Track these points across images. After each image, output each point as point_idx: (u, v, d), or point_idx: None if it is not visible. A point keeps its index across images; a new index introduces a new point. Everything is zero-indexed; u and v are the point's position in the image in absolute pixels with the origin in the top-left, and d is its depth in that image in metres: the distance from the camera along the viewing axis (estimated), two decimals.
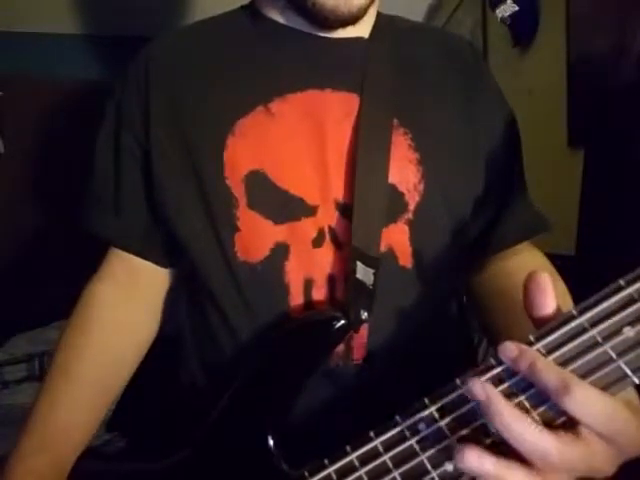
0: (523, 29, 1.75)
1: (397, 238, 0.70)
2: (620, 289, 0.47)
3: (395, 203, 0.71)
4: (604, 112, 1.37)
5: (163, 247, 0.80)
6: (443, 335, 0.77)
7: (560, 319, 0.48)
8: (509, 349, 0.47)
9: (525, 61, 1.81)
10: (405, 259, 0.71)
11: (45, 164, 2.53)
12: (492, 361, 0.49)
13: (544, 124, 1.62)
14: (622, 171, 1.28)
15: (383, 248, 0.69)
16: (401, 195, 0.71)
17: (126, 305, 0.81)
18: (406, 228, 0.71)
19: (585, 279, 0.67)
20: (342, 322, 0.64)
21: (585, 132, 1.47)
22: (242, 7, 0.84)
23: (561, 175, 1.55)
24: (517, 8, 1.68)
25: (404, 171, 0.71)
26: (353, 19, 0.73)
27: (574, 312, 0.48)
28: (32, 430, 0.72)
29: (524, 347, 0.47)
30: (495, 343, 0.52)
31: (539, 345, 0.48)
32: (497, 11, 1.71)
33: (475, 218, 0.77)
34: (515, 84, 1.76)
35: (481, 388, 0.46)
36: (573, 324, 0.47)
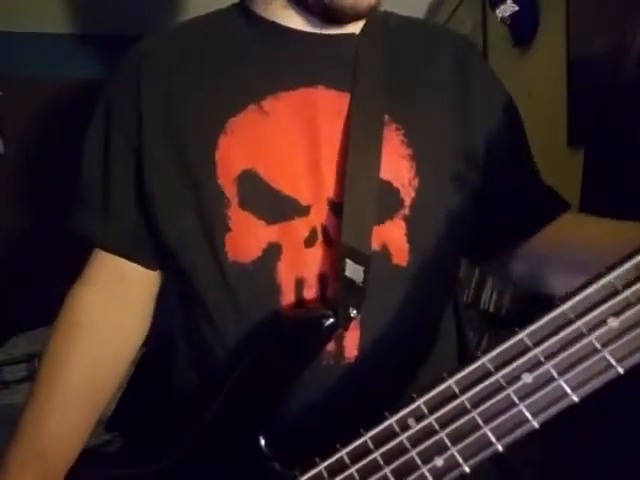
0: (523, 29, 1.75)
1: (392, 235, 0.70)
2: (602, 276, 0.47)
3: (390, 200, 0.70)
4: (604, 112, 1.37)
5: (153, 248, 0.79)
6: (437, 333, 0.77)
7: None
8: None
9: (525, 61, 1.81)
10: (400, 257, 0.71)
11: (45, 164, 2.53)
12: None
13: (544, 124, 1.62)
14: (622, 171, 1.28)
15: (377, 246, 0.69)
16: (396, 191, 0.71)
17: (114, 310, 0.79)
18: (403, 224, 0.70)
19: None
20: (331, 320, 0.63)
21: (585, 132, 1.47)
22: (233, 5, 0.83)
23: (561, 175, 1.54)
24: (517, 8, 1.68)
25: (397, 167, 0.71)
26: (370, 12, 0.73)
27: (557, 301, 0.48)
28: (20, 444, 0.71)
29: None
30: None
31: (523, 334, 0.48)
32: (497, 11, 1.71)
33: (481, 212, 0.77)
34: (515, 84, 1.75)
35: None
36: (557, 313, 0.48)
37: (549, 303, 0.50)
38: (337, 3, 0.70)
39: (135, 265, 0.80)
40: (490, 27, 2.05)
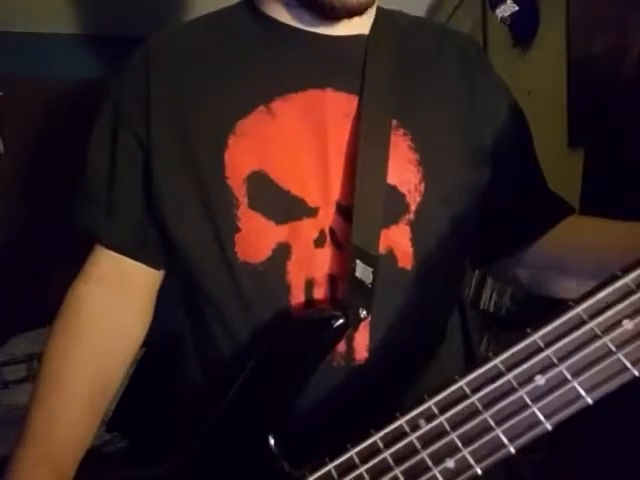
0: (523, 29, 1.75)
1: (397, 239, 0.71)
2: (616, 279, 0.47)
3: (396, 204, 0.71)
4: (604, 112, 1.37)
5: (157, 248, 0.79)
6: (444, 334, 0.78)
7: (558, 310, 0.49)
8: None
9: (525, 61, 1.81)
10: (405, 261, 0.71)
11: (45, 164, 2.53)
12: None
13: (544, 124, 1.61)
14: (622, 171, 1.28)
15: (383, 250, 0.69)
16: (402, 196, 0.71)
17: (115, 307, 0.79)
18: (407, 229, 0.71)
19: None
20: (341, 321, 0.64)
21: (585, 132, 1.47)
22: (240, 3, 0.83)
23: (561, 175, 1.54)
24: (517, 8, 1.68)
25: (404, 172, 0.71)
26: (361, 9, 0.72)
27: (571, 303, 0.48)
28: (30, 443, 0.70)
29: None
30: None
31: (536, 336, 0.48)
32: (497, 11, 1.71)
33: (487, 216, 0.77)
34: (515, 84, 1.75)
35: None
36: (570, 315, 0.48)
37: (550, 303, 0.50)
38: None
39: (137, 263, 0.79)
40: (490, 27, 2.05)
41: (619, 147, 1.32)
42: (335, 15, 0.73)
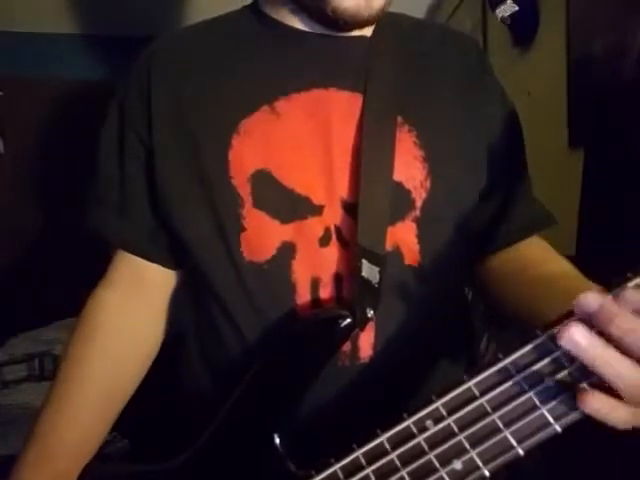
0: (523, 29, 1.75)
1: (404, 236, 0.71)
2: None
3: (402, 201, 0.71)
4: (604, 112, 1.38)
5: (169, 248, 0.80)
6: (448, 332, 0.78)
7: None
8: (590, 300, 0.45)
9: (525, 61, 1.81)
10: (411, 258, 0.71)
11: (45, 164, 2.53)
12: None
13: (544, 124, 1.62)
14: (622, 171, 1.28)
15: (389, 247, 0.69)
16: (408, 192, 0.71)
17: (132, 311, 0.80)
18: (413, 225, 0.71)
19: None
20: (348, 321, 0.64)
21: (585, 132, 1.48)
22: (245, 7, 0.84)
23: (561, 175, 1.55)
24: (517, 8, 1.68)
25: (410, 168, 0.71)
26: (372, 21, 0.74)
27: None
28: (35, 440, 0.71)
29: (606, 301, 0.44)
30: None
31: (545, 337, 0.49)
32: (497, 11, 1.71)
33: (480, 214, 0.77)
34: (515, 84, 1.76)
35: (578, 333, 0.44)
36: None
37: None
38: (339, 13, 0.71)
39: (153, 265, 0.81)
40: (490, 27, 2.05)
41: (619, 147, 1.32)
42: (348, 28, 0.74)
